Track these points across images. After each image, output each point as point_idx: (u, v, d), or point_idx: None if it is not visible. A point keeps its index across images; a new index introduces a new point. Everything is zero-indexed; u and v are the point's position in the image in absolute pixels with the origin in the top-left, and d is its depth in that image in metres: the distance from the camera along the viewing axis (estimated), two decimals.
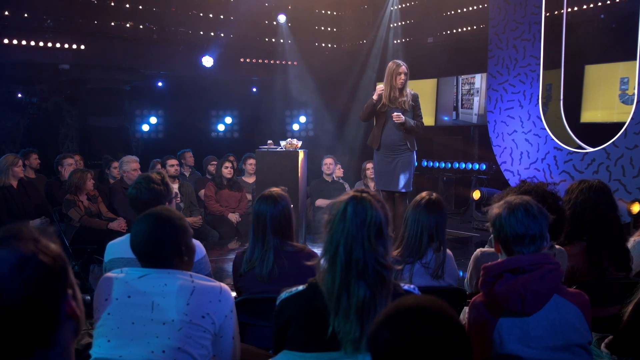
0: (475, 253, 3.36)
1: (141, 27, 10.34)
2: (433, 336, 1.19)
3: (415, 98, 6.32)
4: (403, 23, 11.32)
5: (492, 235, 3.69)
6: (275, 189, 3.20)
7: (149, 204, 3.18)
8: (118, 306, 2.13)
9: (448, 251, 3.34)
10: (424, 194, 3.34)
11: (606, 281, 3.33)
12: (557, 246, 3.18)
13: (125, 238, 3.21)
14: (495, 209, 2.41)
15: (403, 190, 6.26)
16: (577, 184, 3.59)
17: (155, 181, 3.21)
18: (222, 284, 2.25)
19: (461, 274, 4.12)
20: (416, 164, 6.49)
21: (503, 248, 2.37)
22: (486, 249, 3.37)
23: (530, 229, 2.28)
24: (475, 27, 10.14)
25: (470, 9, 10.14)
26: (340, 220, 1.89)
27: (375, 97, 6.23)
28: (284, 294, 2.08)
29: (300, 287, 2.05)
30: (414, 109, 6.29)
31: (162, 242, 2.21)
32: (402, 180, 6.19)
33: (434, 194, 3.35)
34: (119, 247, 3.05)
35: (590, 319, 2.28)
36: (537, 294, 2.13)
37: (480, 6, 9.90)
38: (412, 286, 2.05)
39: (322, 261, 1.95)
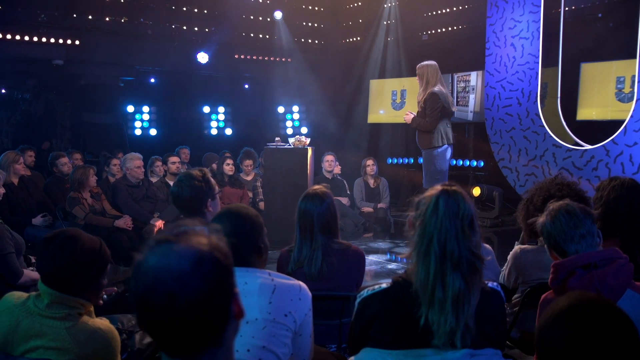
0: (514, 250, 3.39)
1: (136, 22, 10.22)
2: (610, 330, 1.21)
3: (426, 99, 6.36)
4: (396, 20, 11.35)
5: (523, 234, 3.78)
6: (318, 187, 3.20)
7: (190, 201, 3.17)
8: None
9: (488, 246, 3.36)
10: None
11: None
12: None
13: None
14: (540, 219, 2.51)
15: (426, 187, 6.35)
16: (608, 182, 3.65)
17: (196, 178, 3.19)
18: (301, 282, 2.24)
19: None
20: (439, 160, 6.37)
21: (558, 253, 2.43)
22: (525, 246, 3.40)
23: (577, 227, 2.35)
24: (471, 25, 10.21)
25: (467, 6, 10.21)
26: (433, 213, 1.91)
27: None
28: (365, 293, 2.06)
29: (384, 285, 2.05)
30: (424, 109, 6.35)
31: (242, 240, 2.19)
32: (423, 177, 6.27)
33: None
34: None
35: None
36: (613, 288, 2.18)
37: (476, 4, 9.98)
38: (494, 283, 2.07)
39: (412, 255, 1.95)
